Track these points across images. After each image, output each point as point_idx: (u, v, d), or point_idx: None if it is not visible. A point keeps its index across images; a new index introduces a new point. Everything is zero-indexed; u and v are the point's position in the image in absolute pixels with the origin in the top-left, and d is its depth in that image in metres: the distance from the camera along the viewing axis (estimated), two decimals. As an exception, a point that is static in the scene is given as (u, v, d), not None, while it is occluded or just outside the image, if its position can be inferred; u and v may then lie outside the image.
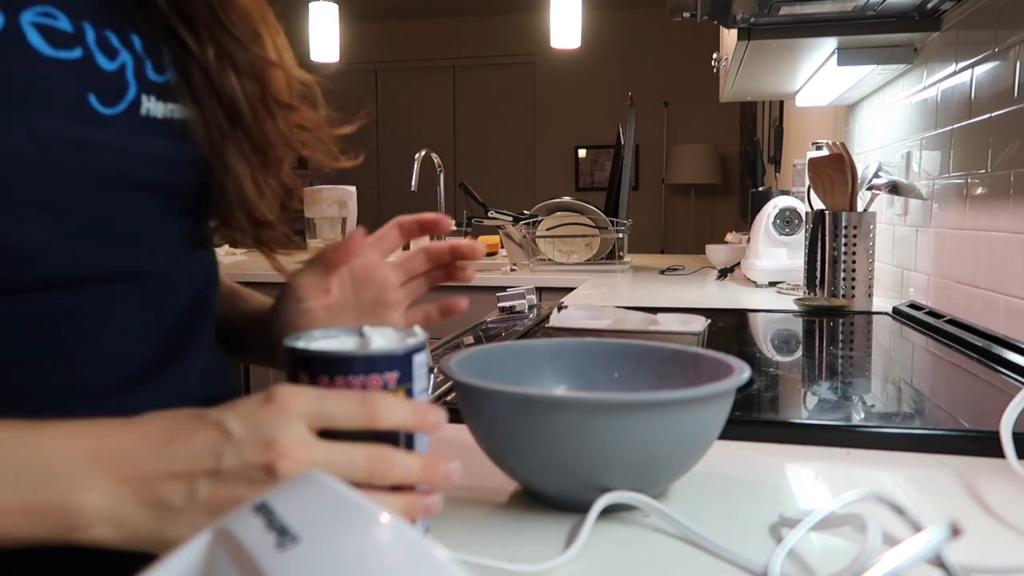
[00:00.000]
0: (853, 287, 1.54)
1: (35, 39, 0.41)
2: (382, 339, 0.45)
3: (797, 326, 1.39)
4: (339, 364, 0.42)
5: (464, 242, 0.56)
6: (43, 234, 0.43)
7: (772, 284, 1.95)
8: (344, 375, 0.42)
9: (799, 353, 1.20)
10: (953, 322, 1.20)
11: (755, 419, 0.73)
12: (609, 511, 0.51)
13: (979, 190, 1.18)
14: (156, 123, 0.48)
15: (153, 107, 0.48)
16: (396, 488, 0.40)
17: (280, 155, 0.57)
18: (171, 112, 0.49)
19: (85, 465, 0.36)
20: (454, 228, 0.60)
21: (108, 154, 0.45)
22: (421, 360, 0.45)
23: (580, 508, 0.50)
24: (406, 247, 1.74)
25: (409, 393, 0.44)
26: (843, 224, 1.55)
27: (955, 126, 1.28)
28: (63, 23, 0.43)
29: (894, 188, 1.54)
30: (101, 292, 0.47)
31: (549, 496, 0.53)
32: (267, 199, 0.56)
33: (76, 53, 0.43)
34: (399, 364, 0.43)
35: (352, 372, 0.42)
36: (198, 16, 0.51)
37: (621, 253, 2.56)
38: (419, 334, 0.46)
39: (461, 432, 0.56)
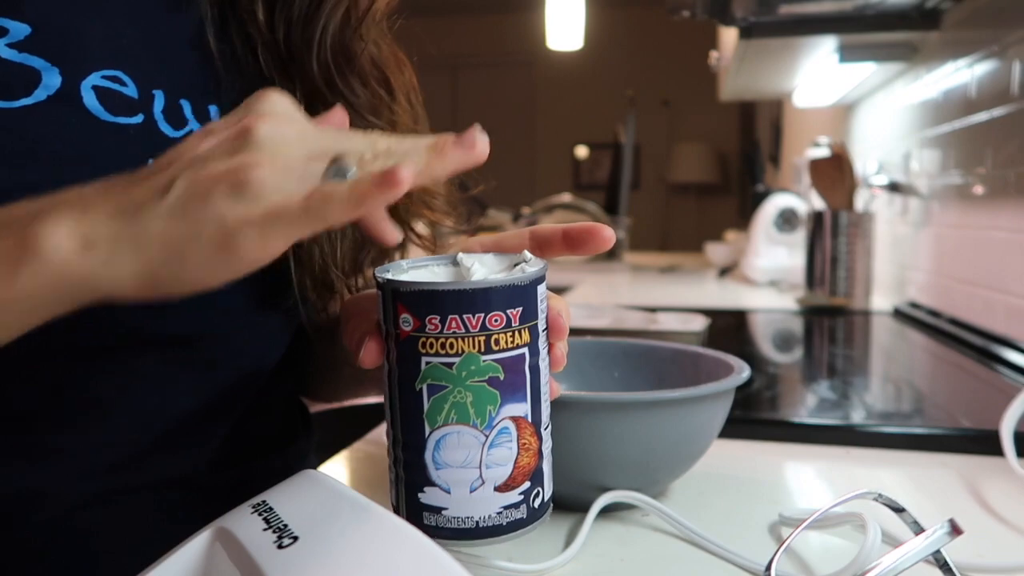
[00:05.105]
0: (853, 286, 1.54)
1: (91, 103, 0.41)
2: (483, 268, 0.39)
3: (797, 325, 1.39)
4: (451, 300, 0.36)
5: (581, 225, 0.43)
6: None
7: (772, 283, 1.95)
8: (458, 313, 0.36)
9: (799, 352, 1.20)
10: (953, 321, 1.20)
11: (755, 418, 0.73)
12: (609, 510, 0.51)
13: (979, 189, 1.18)
14: None
15: None
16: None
17: (406, 219, 0.55)
18: None
19: (43, 207, 0.32)
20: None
21: None
22: (544, 292, 0.39)
23: (580, 507, 0.50)
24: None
25: (534, 333, 0.38)
26: (843, 223, 1.55)
27: (955, 125, 1.27)
28: (129, 90, 0.43)
29: (894, 187, 1.54)
30: (149, 356, 0.45)
31: (549, 495, 0.53)
32: (342, 264, 0.52)
33: (137, 118, 0.43)
34: (523, 298, 0.37)
35: (468, 310, 0.36)
36: (302, 79, 0.49)
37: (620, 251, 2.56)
38: (531, 259, 0.40)
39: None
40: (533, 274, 0.38)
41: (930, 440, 0.66)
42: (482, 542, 0.39)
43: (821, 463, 0.64)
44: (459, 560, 0.30)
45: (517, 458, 0.38)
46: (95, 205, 0.31)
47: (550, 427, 0.41)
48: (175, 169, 0.31)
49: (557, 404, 0.49)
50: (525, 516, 0.39)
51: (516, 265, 0.39)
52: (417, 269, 0.40)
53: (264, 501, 0.35)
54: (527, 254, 0.40)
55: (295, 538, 0.31)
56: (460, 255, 0.40)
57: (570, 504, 0.51)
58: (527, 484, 0.39)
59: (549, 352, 0.41)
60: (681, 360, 0.61)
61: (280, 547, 0.31)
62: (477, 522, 0.38)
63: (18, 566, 0.44)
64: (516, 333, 0.37)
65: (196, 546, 0.34)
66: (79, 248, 0.30)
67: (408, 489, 0.39)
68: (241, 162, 0.31)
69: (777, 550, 0.42)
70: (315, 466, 0.60)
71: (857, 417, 0.75)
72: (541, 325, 0.39)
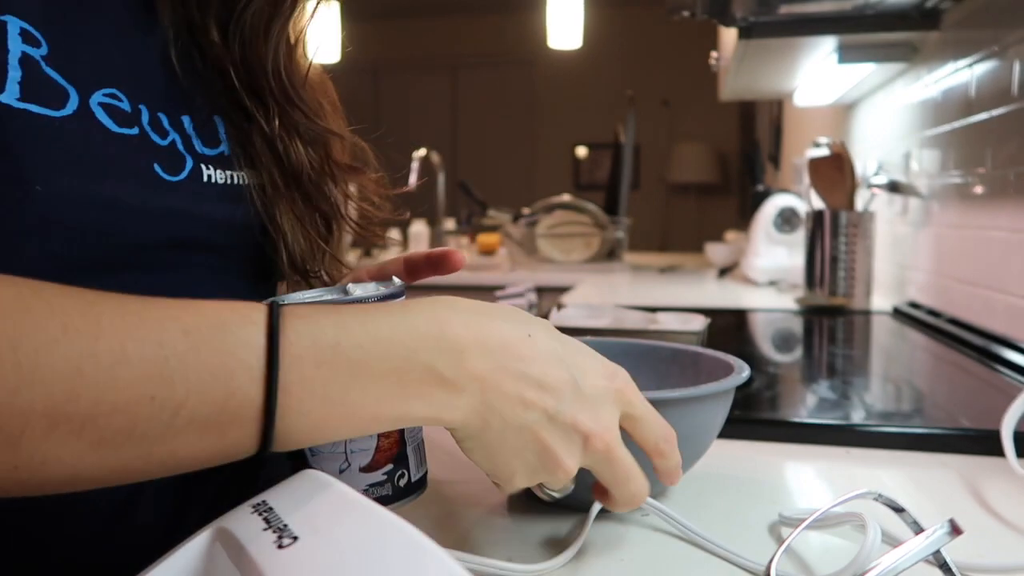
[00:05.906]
0: (852, 286, 1.54)
1: (103, 117, 0.45)
2: (364, 292, 0.46)
3: (797, 325, 1.39)
4: None
5: (440, 250, 0.56)
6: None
7: (772, 283, 1.95)
8: None
9: (799, 352, 1.20)
10: (953, 321, 1.20)
11: (755, 418, 0.73)
12: (608, 510, 0.51)
13: (979, 189, 1.18)
14: (217, 188, 0.51)
15: (214, 174, 0.51)
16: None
17: (345, 212, 0.61)
18: (230, 178, 0.53)
19: (455, 347, 0.38)
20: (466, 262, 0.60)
21: (177, 217, 0.48)
22: None
23: (580, 508, 0.50)
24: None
25: None
26: (842, 223, 1.55)
27: (955, 125, 1.28)
28: (124, 104, 0.46)
29: (894, 187, 1.54)
30: None
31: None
32: (315, 253, 0.58)
33: (135, 130, 0.46)
34: None
35: None
36: (269, 93, 0.55)
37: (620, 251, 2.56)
38: (396, 282, 0.47)
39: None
40: (384, 292, 0.45)
41: (930, 440, 0.66)
42: None
43: (821, 463, 0.64)
44: (459, 560, 0.30)
45: (377, 444, 0.44)
46: (482, 380, 0.38)
47: None
48: (540, 400, 0.39)
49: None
50: (391, 493, 0.45)
51: (381, 288, 0.46)
52: (314, 297, 0.46)
53: (264, 501, 0.35)
54: (395, 279, 0.47)
55: (295, 538, 0.31)
56: (349, 284, 0.46)
57: (570, 504, 0.51)
58: (390, 466, 0.45)
59: None
60: (681, 360, 0.61)
61: (280, 547, 0.31)
62: None
63: (21, 560, 0.44)
64: None
65: (196, 546, 0.34)
66: (460, 414, 0.38)
67: None
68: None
69: (777, 550, 0.42)
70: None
71: (857, 417, 0.75)
72: None
